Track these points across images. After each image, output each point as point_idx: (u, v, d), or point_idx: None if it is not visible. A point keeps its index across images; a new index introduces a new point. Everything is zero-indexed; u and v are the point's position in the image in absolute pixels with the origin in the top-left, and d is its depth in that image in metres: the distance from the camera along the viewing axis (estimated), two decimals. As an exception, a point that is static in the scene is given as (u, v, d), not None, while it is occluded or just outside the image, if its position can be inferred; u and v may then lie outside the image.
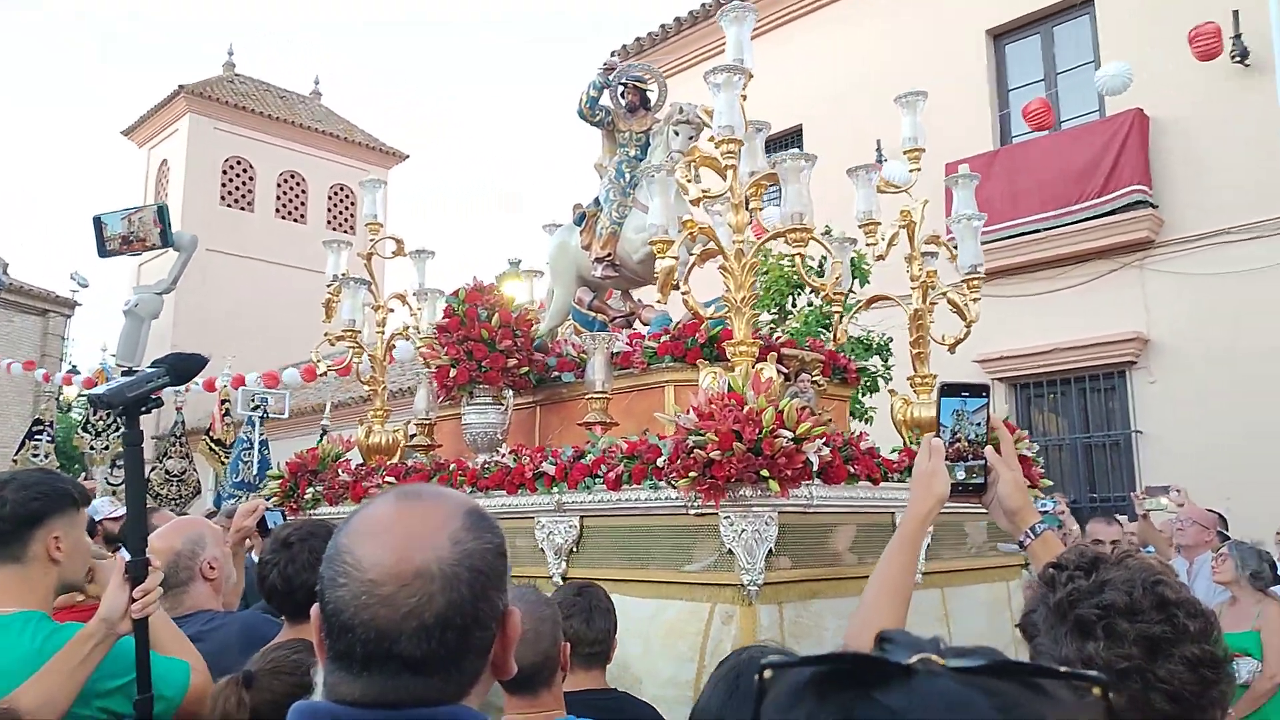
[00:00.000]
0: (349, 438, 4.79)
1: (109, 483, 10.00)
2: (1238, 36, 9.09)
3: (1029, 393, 10.28)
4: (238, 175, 23.81)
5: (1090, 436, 10.00)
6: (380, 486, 3.89)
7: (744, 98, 3.00)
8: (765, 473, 2.52)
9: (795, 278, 8.80)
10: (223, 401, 12.31)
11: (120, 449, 10.79)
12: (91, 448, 11.48)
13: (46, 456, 11.53)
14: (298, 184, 24.74)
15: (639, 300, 4.57)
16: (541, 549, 3.22)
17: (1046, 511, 6.01)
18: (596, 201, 4.36)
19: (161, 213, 2.79)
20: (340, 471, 4.28)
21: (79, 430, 12.15)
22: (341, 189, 25.25)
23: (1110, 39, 10.03)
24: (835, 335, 4.01)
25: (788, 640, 2.61)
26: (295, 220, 24.58)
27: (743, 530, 2.59)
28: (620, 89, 4.27)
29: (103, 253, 2.78)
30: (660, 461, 2.80)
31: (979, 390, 1.98)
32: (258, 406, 11.38)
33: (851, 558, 2.91)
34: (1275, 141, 8.34)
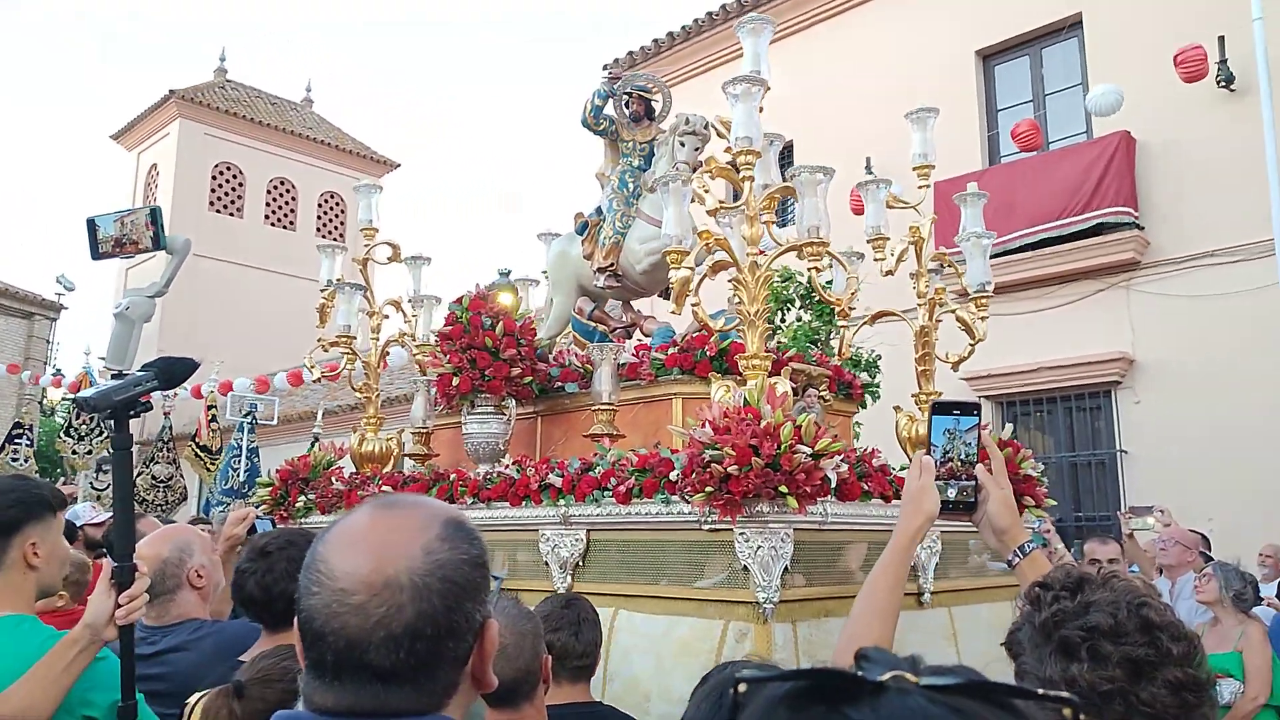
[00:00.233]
0: (342, 445, 4.73)
1: (94, 487, 9.83)
2: (1223, 61, 9.22)
3: (1015, 411, 10.32)
4: (227, 181, 23.62)
5: (1076, 455, 10.05)
6: (375, 495, 3.82)
7: (761, 109, 2.97)
8: (783, 489, 2.49)
9: (784, 293, 8.81)
10: (209, 407, 12.15)
11: (104, 453, 10.66)
12: (74, 452, 11.29)
13: (26, 461, 11.36)
14: (288, 190, 24.58)
15: (639, 311, 4.53)
16: (546, 562, 3.17)
17: (1032, 530, 6.01)
18: (598, 211, 4.32)
19: (154, 215, 2.76)
20: (334, 480, 4.22)
21: (60, 434, 11.96)
22: (332, 196, 25.14)
23: (1098, 62, 10.14)
24: (840, 350, 4.00)
25: (802, 659, 2.57)
26: (285, 227, 24.40)
27: (759, 547, 2.55)
28: (625, 99, 4.25)
29: (95, 255, 2.74)
30: (673, 475, 2.76)
31: (971, 409, 1.95)
32: (248, 413, 11.23)
33: (864, 576, 2.87)
34: (1260, 165, 8.46)
